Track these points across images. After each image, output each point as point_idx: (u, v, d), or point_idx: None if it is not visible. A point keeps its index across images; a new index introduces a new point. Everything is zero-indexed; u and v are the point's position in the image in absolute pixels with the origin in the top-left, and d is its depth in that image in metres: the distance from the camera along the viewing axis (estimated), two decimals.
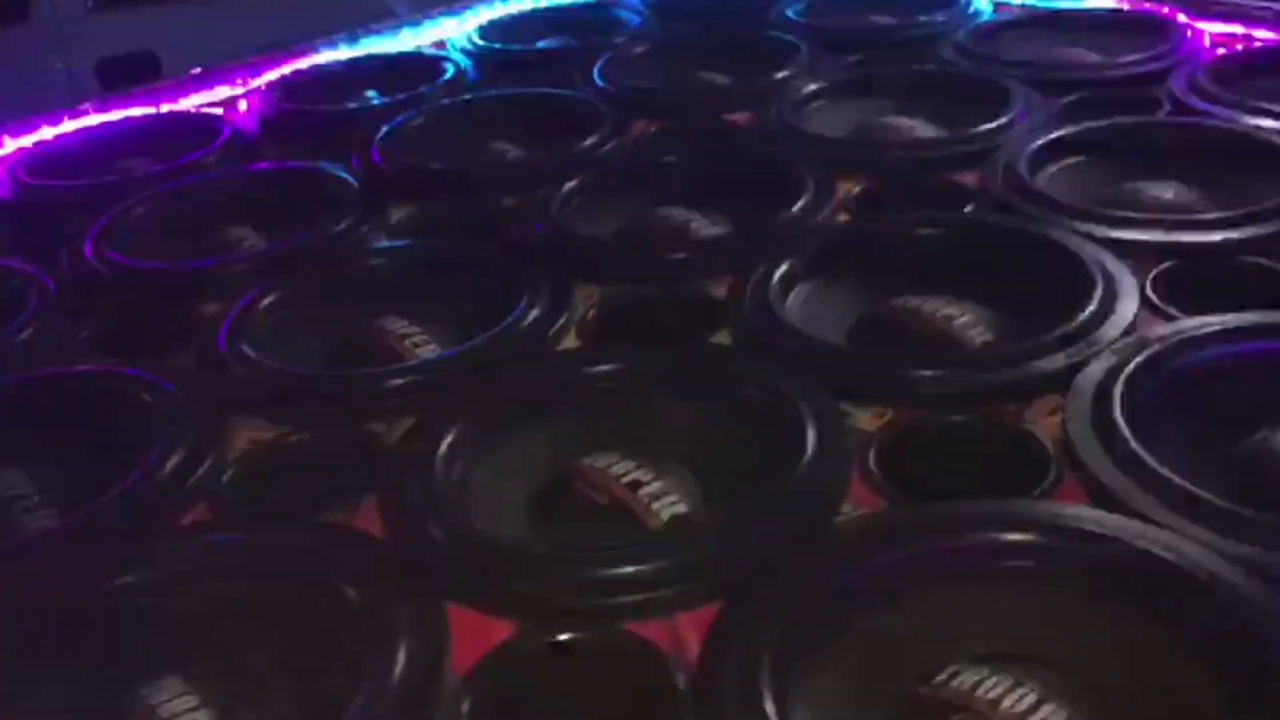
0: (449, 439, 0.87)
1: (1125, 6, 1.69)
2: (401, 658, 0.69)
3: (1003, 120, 1.32)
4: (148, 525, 0.85)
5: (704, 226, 1.21)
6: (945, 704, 0.65)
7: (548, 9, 2.02)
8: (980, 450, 0.87)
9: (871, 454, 0.85)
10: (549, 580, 0.75)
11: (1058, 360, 0.90)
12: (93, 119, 1.67)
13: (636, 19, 1.91)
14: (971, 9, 1.78)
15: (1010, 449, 0.85)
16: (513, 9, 2.02)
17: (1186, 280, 1.03)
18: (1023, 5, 1.79)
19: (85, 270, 1.24)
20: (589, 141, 1.43)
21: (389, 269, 1.18)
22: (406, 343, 1.06)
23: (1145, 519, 0.74)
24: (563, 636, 0.71)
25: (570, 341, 1.05)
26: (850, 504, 0.81)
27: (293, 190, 1.38)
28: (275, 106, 1.65)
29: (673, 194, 1.27)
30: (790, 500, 0.80)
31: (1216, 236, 1.06)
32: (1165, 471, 0.77)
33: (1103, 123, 1.29)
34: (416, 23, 1.96)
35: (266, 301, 1.11)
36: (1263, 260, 1.04)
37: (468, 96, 1.62)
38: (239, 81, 1.77)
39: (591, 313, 1.08)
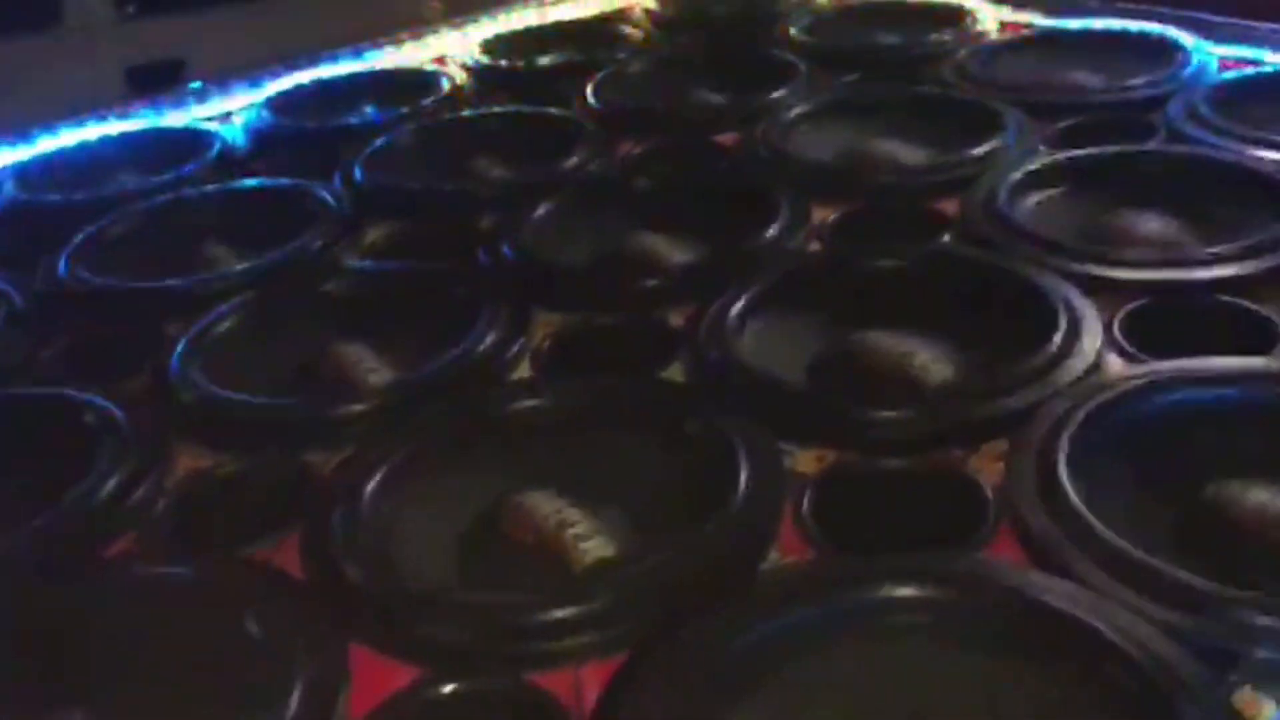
0: (379, 473, 0.86)
1: (1134, 27, 1.63)
2: (295, 700, 0.68)
3: (988, 147, 1.29)
4: (72, 554, 0.85)
5: (674, 253, 1.19)
6: None
7: (554, 24, 2.01)
8: (919, 497, 0.84)
9: (806, 499, 0.82)
10: (451, 625, 0.73)
11: (1007, 404, 0.87)
12: (92, 130, 1.68)
13: (641, 35, 1.89)
14: (978, 28, 1.74)
15: (950, 496, 0.82)
16: (519, 23, 2.01)
17: (1158, 319, 0.99)
18: (1030, 25, 1.75)
19: (56, 287, 1.24)
20: (571, 162, 1.41)
21: (351, 292, 1.17)
22: (361, 369, 1.05)
23: (1074, 576, 0.71)
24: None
25: (523, 371, 1.04)
26: (778, 552, 0.78)
27: (272, 209, 1.37)
28: (265, 122, 1.64)
29: (648, 218, 1.26)
30: (714, 547, 0.78)
31: (1194, 274, 1.02)
32: (1099, 528, 0.73)
33: (1086, 151, 1.25)
34: (420, 36, 1.95)
35: (224, 325, 1.10)
36: (1242, 301, 1.00)
37: (458, 114, 1.61)
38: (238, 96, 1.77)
39: (547, 343, 1.06)
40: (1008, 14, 1.78)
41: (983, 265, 1.06)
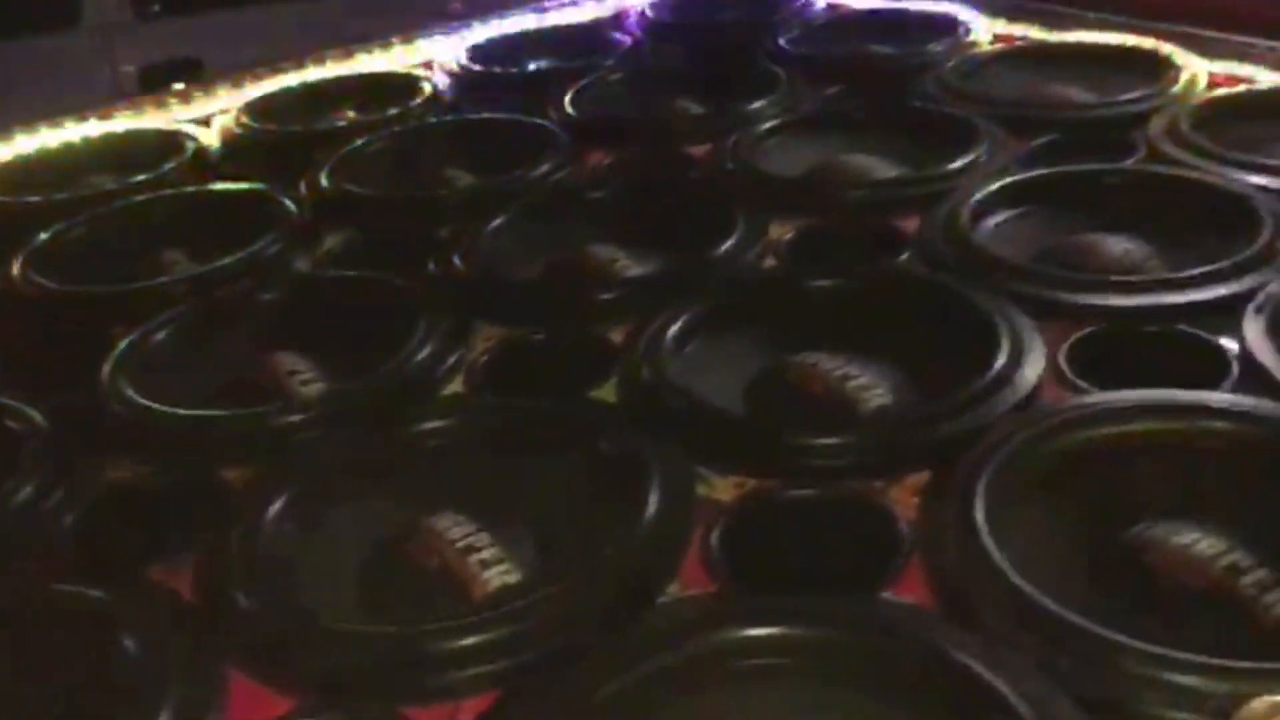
0: (285, 495, 0.84)
1: (1127, 42, 1.59)
2: None
3: (957, 164, 1.26)
4: None
5: (626, 267, 1.16)
6: None
7: (544, 30, 1.99)
8: (834, 529, 0.81)
9: (715, 530, 0.79)
10: (327, 655, 0.71)
11: (933, 435, 0.84)
12: (70, 130, 1.68)
13: (629, 42, 1.87)
14: (970, 39, 1.70)
15: (865, 530, 0.79)
16: (514, 28, 2.00)
17: (1109, 347, 0.96)
18: (1024, 37, 1.71)
19: (8, 291, 1.23)
20: (537, 172, 1.39)
21: (294, 300, 1.15)
22: (294, 380, 1.03)
23: (980, 619, 0.68)
24: None
25: (457, 386, 1.01)
26: (680, 584, 0.76)
27: (233, 214, 1.36)
28: (241, 125, 1.63)
29: (607, 230, 1.23)
30: (610, 579, 0.75)
31: (1150, 300, 0.99)
32: (1007, 571, 0.70)
33: (1053, 170, 1.21)
34: (410, 40, 1.93)
35: (162, 334, 1.09)
36: (1197, 330, 0.96)
37: (431, 121, 1.59)
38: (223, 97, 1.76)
39: (483, 359, 1.03)
40: (1002, 26, 1.74)
41: (931, 287, 1.03)
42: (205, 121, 1.69)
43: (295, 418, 0.95)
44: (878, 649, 0.66)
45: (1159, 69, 1.47)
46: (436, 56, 1.89)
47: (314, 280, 1.20)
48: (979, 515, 0.74)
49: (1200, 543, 0.73)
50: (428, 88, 1.72)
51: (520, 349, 1.05)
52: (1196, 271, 1.00)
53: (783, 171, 1.32)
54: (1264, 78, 1.46)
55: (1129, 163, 1.26)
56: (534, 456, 0.88)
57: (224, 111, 1.70)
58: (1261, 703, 0.60)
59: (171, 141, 1.59)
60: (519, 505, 0.85)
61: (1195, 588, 0.72)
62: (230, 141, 1.61)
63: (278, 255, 1.24)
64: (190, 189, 1.43)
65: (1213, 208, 1.13)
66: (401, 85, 1.75)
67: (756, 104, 1.51)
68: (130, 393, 0.99)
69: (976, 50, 1.66)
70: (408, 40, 1.94)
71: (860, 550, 0.78)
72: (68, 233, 1.33)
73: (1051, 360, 0.93)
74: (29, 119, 1.69)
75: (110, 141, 1.64)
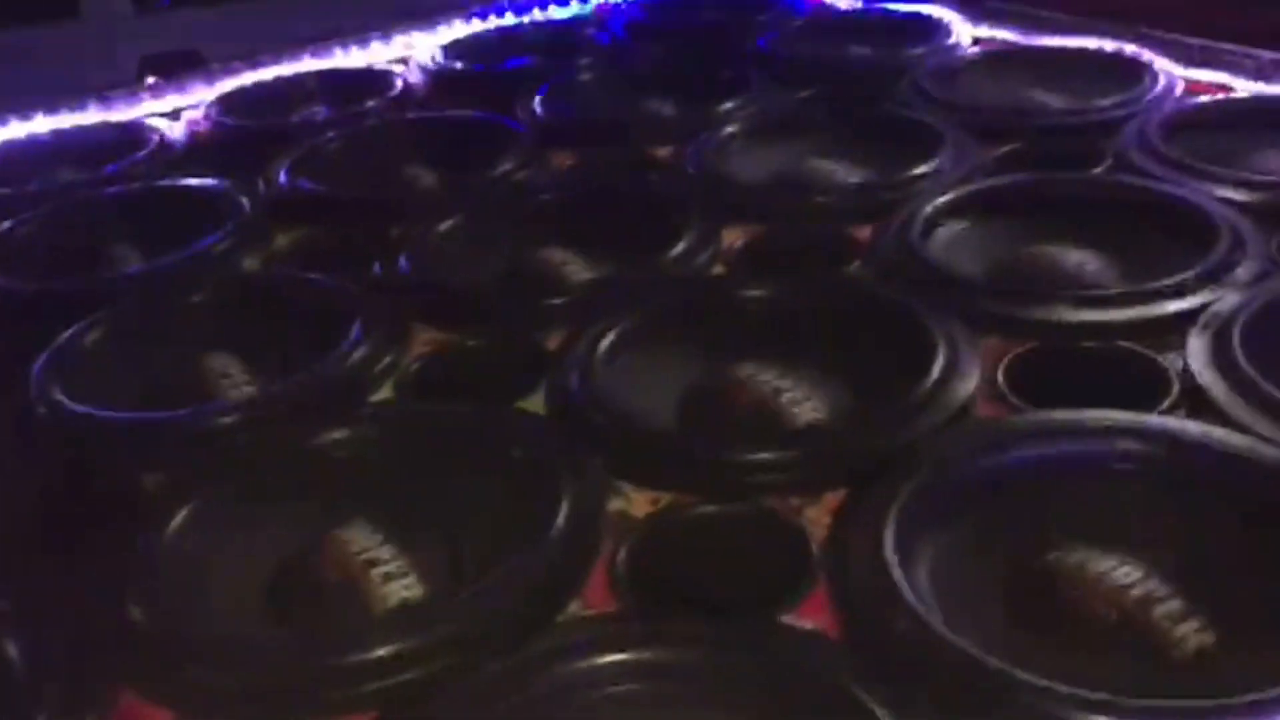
0: (191, 505, 0.82)
1: (1106, 47, 1.56)
2: None
3: (917, 171, 1.23)
4: None
5: (574, 272, 1.14)
6: None
7: (523, 27, 1.97)
8: (745, 547, 0.79)
9: (625, 546, 0.77)
10: (208, 671, 0.69)
11: (854, 451, 0.82)
12: (41, 124, 1.67)
13: (607, 41, 1.85)
14: (950, 41, 1.68)
15: (776, 549, 0.77)
16: (491, 25, 1.98)
17: (1050, 364, 0.93)
18: (1003, 40, 1.68)
19: None
20: (497, 172, 1.37)
21: (233, 300, 1.13)
22: (224, 383, 1.02)
23: (885, 646, 0.66)
24: None
25: (387, 391, 1.00)
26: (581, 603, 0.74)
27: (186, 210, 1.34)
28: (210, 119, 1.62)
29: (560, 233, 1.21)
30: (509, 596, 0.73)
31: (1096, 316, 0.96)
32: (909, 597, 0.68)
33: (1010, 179, 1.19)
34: (387, 36, 1.91)
35: (95, 334, 1.07)
36: (1141, 348, 0.93)
37: (396, 118, 1.58)
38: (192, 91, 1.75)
39: (415, 364, 1.02)
40: (983, 30, 1.71)
41: (873, 299, 1.01)
42: (175, 115, 1.67)
43: (217, 422, 0.93)
44: (766, 676, 0.64)
45: (1136, 76, 1.44)
46: (413, 52, 1.88)
47: (253, 280, 1.18)
48: (888, 539, 0.72)
49: (1116, 571, 0.71)
50: (399, 84, 1.70)
51: (455, 354, 1.03)
52: (1144, 287, 0.98)
53: (742, 176, 1.30)
54: (1242, 86, 1.43)
55: (1094, 172, 1.23)
56: (451, 466, 0.86)
57: (191, 106, 1.69)
58: None
59: (136, 135, 1.58)
60: (433, 516, 0.83)
61: (1109, 618, 0.70)
62: (196, 136, 1.59)
63: (225, 254, 1.23)
64: (146, 184, 1.41)
65: (1172, 221, 1.10)
66: (373, 81, 1.73)
67: (725, 106, 1.49)
68: (56, 395, 0.98)
69: (954, 54, 1.63)
70: (386, 35, 1.92)
71: (771, 571, 0.75)
72: (16, 230, 1.32)
73: (989, 376, 0.91)
74: (26, 109, 1.69)
75: (75, 135, 1.62)
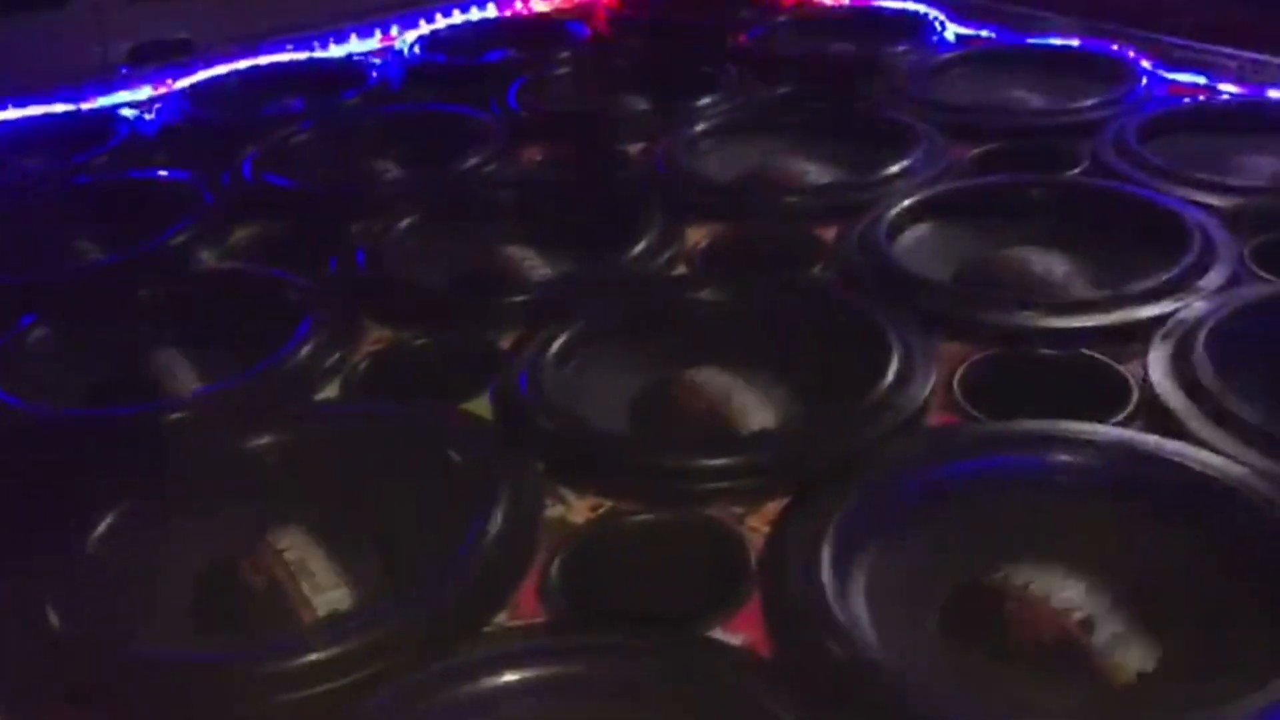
0: (114, 515, 0.80)
1: (1090, 48, 1.53)
2: None
3: (887, 172, 1.21)
4: None
5: (533, 270, 1.12)
6: None
7: (504, 20, 1.95)
8: (683, 557, 0.77)
9: (559, 555, 0.75)
10: (126, 683, 0.67)
11: (797, 458, 0.80)
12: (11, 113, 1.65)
13: (587, 35, 1.82)
14: (934, 39, 1.65)
15: (714, 558, 0.75)
16: (473, 17, 1.96)
17: (1010, 371, 0.91)
18: (987, 39, 1.66)
19: None
20: (465, 166, 1.35)
21: (183, 296, 1.11)
22: (169, 381, 1.00)
23: (816, 659, 0.64)
24: None
25: (334, 390, 0.98)
26: (510, 613, 0.72)
27: (148, 203, 1.32)
28: (180, 111, 1.60)
29: (526, 230, 1.19)
30: (437, 605, 0.71)
31: (1056, 323, 0.93)
32: (838, 613, 0.66)
33: (978, 181, 1.17)
34: (368, 28, 1.89)
35: (40, 331, 1.05)
36: (1103, 357, 0.90)
37: (368, 111, 1.55)
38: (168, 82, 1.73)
39: (363, 364, 0.99)
40: (968, 28, 1.69)
41: (831, 302, 0.98)
42: (147, 105, 1.65)
43: (152, 421, 0.91)
44: (686, 694, 0.62)
45: (1118, 76, 1.42)
46: (392, 44, 1.85)
47: (205, 275, 1.16)
48: (825, 554, 0.69)
49: (1060, 591, 0.69)
50: (374, 76, 1.68)
51: (404, 353, 1.01)
52: (1108, 294, 0.95)
53: (710, 174, 1.28)
54: (1225, 88, 1.40)
55: (1069, 175, 1.20)
56: (390, 469, 0.84)
57: (165, 97, 1.67)
58: None
59: (106, 126, 1.56)
60: (369, 521, 0.82)
61: (1050, 641, 0.68)
62: (166, 127, 1.57)
63: (182, 248, 1.21)
64: (109, 176, 1.39)
65: (1144, 225, 1.08)
66: (348, 73, 1.71)
67: (700, 103, 1.47)
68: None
69: (936, 52, 1.61)
70: (365, 26, 1.89)
71: (707, 582, 0.73)
72: None
73: (945, 383, 0.88)
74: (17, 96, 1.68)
75: (45, 125, 1.60)
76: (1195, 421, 0.80)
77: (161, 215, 1.27)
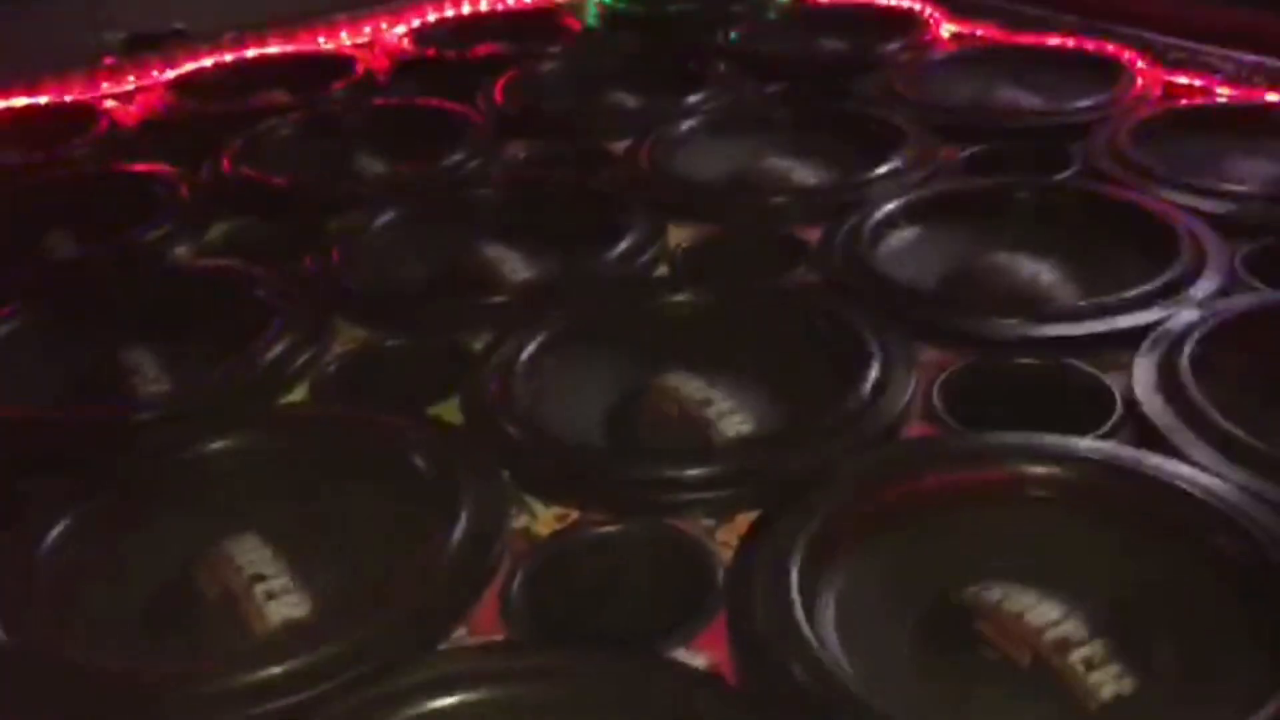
0: (73, 513, 0.78)
1: (1085, 48, 1.51)
2: None
3: (874, 173, 1.18)
4: None
5: (512, 270, 1.09)
6: None
7: (495, 14, 1.92)
8: (650, 571, 0.74)
9: (522, 569, 0.73)
10: (67, 697, 0.65)
11: (768, 469, 0.78)
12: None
13: (575, 29, 1.80)
14: (927, 37, 1.63)
15: (682, 573, 0.73)
16: (465, 10, 1.93)
17: (991, 379, 0.89)
18: (981, 37, 1.63)
19: None
20: (448, 163, 1.32)
21: (153, 293, 1.09)
22: (135, 380, 0.98)
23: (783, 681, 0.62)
24: None
25: (302, 393, 0.95)
26: (470, 629, 0.70)
27: (125, 197, 1.30)
28: (164, 102, 1.58)
29: (505, 229, 1.17)
30: (391, 619, 0.68)
31: (1039, 331, 0.91)
32: (808, 634, 0.63)
33: (965, 184, 1.14)
34: (357, 19, 1.87)
35: (8, 327, 1.03)
36: (1087, 367, 0.88)
37: (350, 105, 1.53)
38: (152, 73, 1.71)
39: (332, 365, 0.97)
40: (963, 25, 1.66)
41: (811, 307, 0.96)
42: (130, 97, 1.63)
43: (113, 422, 0.89)
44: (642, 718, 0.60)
45: (1112, 77, 1.40)
46: (382, 36, 1.83)
47: (178, 271, 1.14)
48: (794, 572, 0.67)
49: (1034, 609, 0.67)
50: (361, 69, 1.66)
51: (374, 355, 0.99)
52: (1094, 302, 0.93)
53: (695, 174, 1.25)
54: (1222, 91, 1.38)
55: (1059, 178, 1.18)
56: (352, 476, 0.82)
57: (148, 88, 1.64)
58: None
59: (87, 117, 1.53)
60: (330, 529, 0.80)
61: (1024, 661, 0.66)
62: (149, 119, 1.55)
63: (157, 243, 1.19)
64: (87, 169, 1.37)
65: (1134, 231, 1.05)
66: (335, 66, 1.68)
67: (687, 100, 1.44)
68: None
69: (929, 50, 1.58)
70: (355, 18, 1.87)
71: (673, 597, 0.71)
72: None
73: (925, 393, 0.86)
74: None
75: (25, 116, 1.58)
76: (1179, 436, 0.78)
77: (138, 209, 1.25)
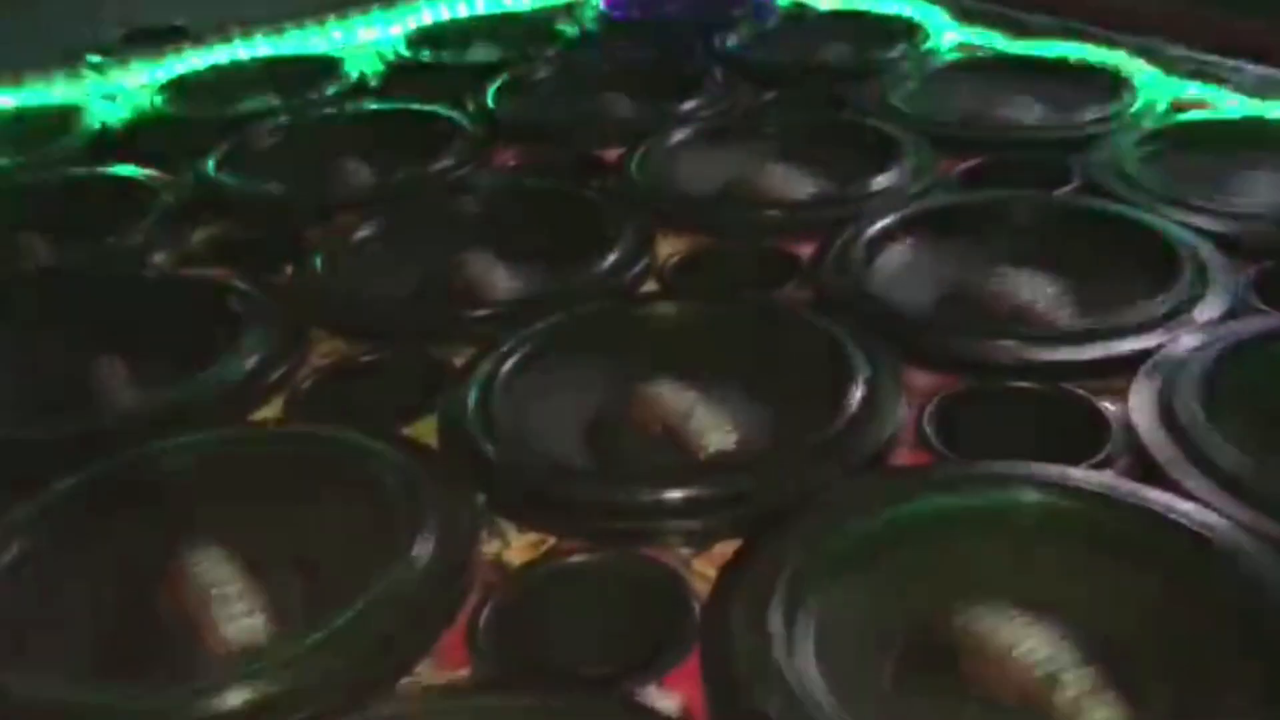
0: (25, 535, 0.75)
1: (1090, 58, 1.48)
2: None
3: (870, 186, 1.15)
4: None
5: (496, 283, 1.07)
6: None
7: (492, 17, 1.90)
8: (625, 603, 0.72)
9: (491, 602, 0.70)
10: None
11: (749, 495, 0.75)
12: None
13: (576, 33, 1.77)
14: (929, 45, 1.60)
15: (658, 606, 0.70)
16: (462, 13, 1.91)
17: (984, 405, 0.86)
18: (984, 46, 1.60)
19: None
20: (435, 169, 1.30)
21: (133, 301, 1.07)
22: (102, 392, 0.95)
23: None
24: None
25: (275, 408, 0.93)
26: (431, 664, 0.67)
27: (105, 201, 1.28)
28: (153, 104, 1.55)
29: (491, 240, 1.14)
30: (345, 655, 0.66)
31: (1036, 355, 0.88)
32: (787, 671, 0.61)
33: (962, 199, 1.12)
34: (348, 21, 1.84)
35: None
36: (1084, 393, 0.85)
37: (337, 110, 1.51)
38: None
39: (307, 380, 0.95)
40: (966, 33, 1.63)
41: (800, 325, 0.93)
42: (110, 99, 1.61)
43: (76, 435, 0.87)
44: None
45: (1117, 89, 1.36)
46: (376, 38, 1.81)
47: (155, 280, 1.12)
48: (772, 604, 0.65)
49: (1024, 644, 0.64)
50: (353, 73, 1.63)
51: (351, 370, 0.96)
52: (1092, 324, 0.90)
53: (687, 184, 1.23)
54: (1230, 103, 1.35)
55: (1058, 193, 1.15)
56: (321, 496, 0.79)
57: (136, 90, 1.62)
58: None
59: (71, 119, 1.51)
60: (296, 551, 0.77)
61: (1012, 697, 0.63)
62: (134, 122, 1.53)
63: (135, 250, 1.16)
64: (66, 173, 1.35)
65: (1135, 250, 1.02)
66: (326, 68, 1.66)
67: (682, 108, 1.42)
68: None
69: (931, 59, 1.55)
70: (345, 19, 1.85)
71: (647, 632, 0.68)
72: None
73: (914, 417, 0.83)
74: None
75: (7, 116, 1.56)
76: (1178, 468, 0.74)
77: (118, 214, 1.23)
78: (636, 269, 1.06)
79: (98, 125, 1.50)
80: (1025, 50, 1.55)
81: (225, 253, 1.18)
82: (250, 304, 1.01)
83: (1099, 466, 0.77)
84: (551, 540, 0.75)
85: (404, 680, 0.65)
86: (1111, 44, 1.51)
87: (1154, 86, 1.37)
